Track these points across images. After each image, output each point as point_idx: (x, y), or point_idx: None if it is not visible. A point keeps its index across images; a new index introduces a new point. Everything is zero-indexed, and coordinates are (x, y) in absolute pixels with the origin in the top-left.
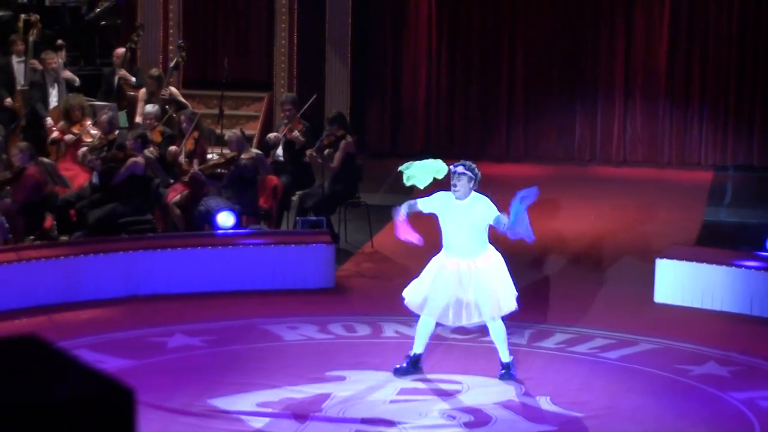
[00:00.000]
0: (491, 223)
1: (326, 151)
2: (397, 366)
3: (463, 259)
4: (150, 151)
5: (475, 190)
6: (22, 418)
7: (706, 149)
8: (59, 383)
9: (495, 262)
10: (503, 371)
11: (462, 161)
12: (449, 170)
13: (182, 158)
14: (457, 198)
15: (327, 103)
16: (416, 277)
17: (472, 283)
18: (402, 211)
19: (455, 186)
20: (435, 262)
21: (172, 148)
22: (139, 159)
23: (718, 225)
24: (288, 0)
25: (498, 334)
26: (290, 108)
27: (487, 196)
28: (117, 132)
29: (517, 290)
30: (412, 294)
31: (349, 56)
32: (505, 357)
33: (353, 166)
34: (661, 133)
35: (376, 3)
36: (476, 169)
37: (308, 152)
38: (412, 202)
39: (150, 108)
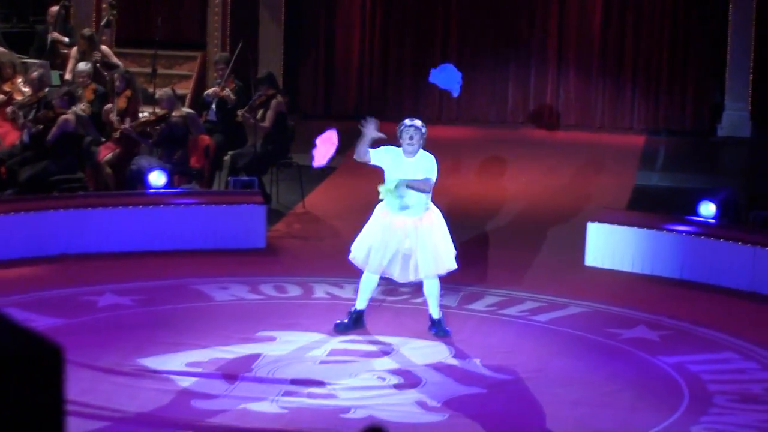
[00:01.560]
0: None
1: (258, 113)
2: (338, 321)
3: (409, 216)
4: (81, 109)
5: (422, 148)
6: None
7: (639, 114)
8: None
9: (437, 221)
10: (436, 328)
11: (412, 118)
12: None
13: (113, 116)
14: (406, 154)
15: (260, 64)
16: (360, 231)
17: (418, 241)
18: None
19: (412, 140)
20: (379, 218)
21: (108, 106)
22: (70, 116)
23: (649, 189)
24: None
25: (433, 291)
26: (223, 67)
27: (433, 155)
28: (47, 90)
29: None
30: (357, 249)
31: (283, 17)
32: (436, 313)
33: (285, 126)
34: (594, 97)
35: None
36: (425, 128)
37: (240, 112)
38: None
39: (82, 66)
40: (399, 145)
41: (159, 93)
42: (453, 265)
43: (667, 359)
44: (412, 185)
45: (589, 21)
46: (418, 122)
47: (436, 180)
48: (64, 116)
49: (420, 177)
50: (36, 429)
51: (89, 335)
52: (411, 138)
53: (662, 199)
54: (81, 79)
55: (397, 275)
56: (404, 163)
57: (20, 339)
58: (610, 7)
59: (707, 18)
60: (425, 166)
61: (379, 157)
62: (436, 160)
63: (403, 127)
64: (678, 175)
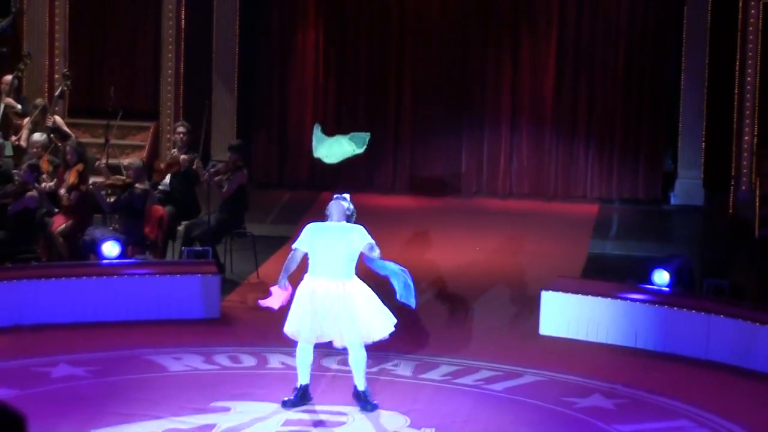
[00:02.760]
0: (364, 250)
1: (218, 178)
2: (285, 399)
3: (332, 279)
4: (44, 179)
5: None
6: None
7: (592, 182)
8: None
9: (363, 289)
10: (362, 402)
11: (340, 194)
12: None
13: (63, 191)
14: (330, 221)
15: (214, 133)
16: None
17: (343, 305)
18: (282, 282)
19: (329, 210)
20: (303, 287)
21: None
22: (34, 193)
23: (603, 257)
24: (175, 30)
25: (358, 361)
26: (183, 132)
27: (362, 226)
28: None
29: (397, 319)
30: (289, 324)
31: (236, 86)
32: (361, 385)
33: (243, 197)
34: (547, 166)
35: (264, 33)
36: (352, 205)
37: (203, 175)
38: (288, 265)
39: (37, 136)
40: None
41: (128, 161)
42: (380, 335)
43: (623, 428)
44: (376, 262)
45: (540, 89)
46: (346, 195)
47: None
48: (30, 193)
49: (344, 242)
50: None
51: (43, 406)
52: (329, 209)
53: (616, 268)
54: (35, 150)
55: (327, 339)
56: (328, 228)
57: None
58: (563, 76)
59: (660, 87)
60: (355, 236)
61: (304, 243)
62: (366, 229)
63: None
64: (632, 243)
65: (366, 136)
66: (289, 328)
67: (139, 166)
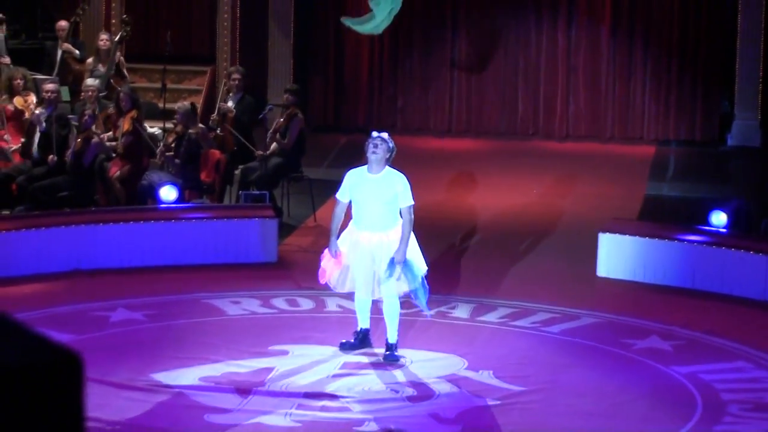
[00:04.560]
0: (402, 210)
1: (277, 135)
2: (344, 341)
3: (375, 232)
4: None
5: (389, 165)
6: None
7: (649, 124)
8: (6, 350)
9: None
10: (387, 353)
11: (379, 132)
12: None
13: (119, 142)
14: (370, 170)
15: (270, 77)
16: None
17: (385, 257)
18: (333, 248)
19: (376, 148)
20: (346, 238)
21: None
22: (96, 139)
23: (660, 199)
24: None
25: (392, 311)
26: (239, 77)
27: (403, 174)
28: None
29: (428, 266)
30: (332, 275)
31: (292, 30)
32: (392, 337)
33: (300, 141)
34: (604, 108)
35: None
36: (393, 142)
37: (269, 141)
38: (334, 223)
39: (90, 81)
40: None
41: (177, 105)
42: (421, 273)
43: (680, 369)
44: (400, 254)
45: (597, 32)
46: (385, 134)
47: (414, 198)
48: (95, 140)
49: (385, 197)
50: None
51: (102, 351)
52: (375, 146)
53: (673, 209)
54: (90, 93)
55: (375, 294)
56: (369, 180)
57: (39, 347)
58: (619, 16)
59: (716, 28)
60: (398, 187)
61: (345, 193)
62: (407, 178)
63: (369, 139)
64: (688, 185)
65: None
66: (332, 282)
67: (188, 110)
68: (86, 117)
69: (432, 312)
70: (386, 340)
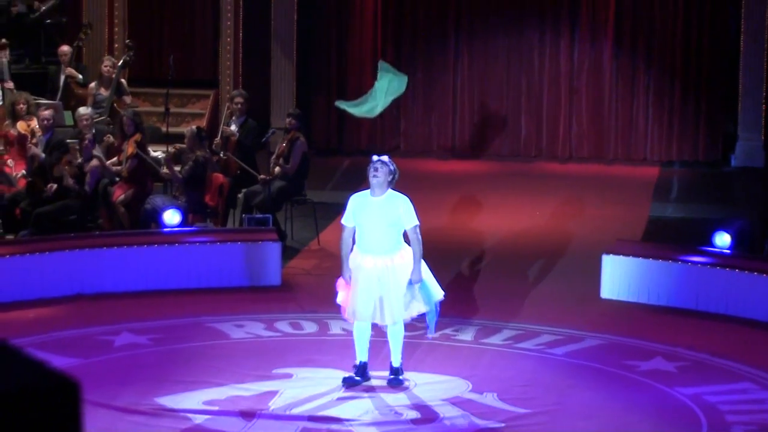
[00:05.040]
0: (408, 232)
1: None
2: (346, 376)
3: (378, 256)
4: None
5: (392, 188)
6: None
7: (652, 145)
8: (5, 375)
9: (409, 260)
10: (392, 376)
11: (380, 155)
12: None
13: (123, 167)
14: (373, 195)
15: (272, 100)
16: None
17: (391, 282)
18: (347, 274)
19: (376, 171)
20: (352, 265)
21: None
22: (95, 162)
23: (664, 220)
24: None
25: (396, 336)
26: (241, 101)
27: (406, 196)
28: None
29: (443, 289)
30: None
31: (295, 53)
32: (397, 361)
33: (303, 164)
34: (607, 129)
35: (322, 0)
36: (394, 165)
37: (272, 166)
38: (343, 249)
39: (83, 110)
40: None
41: (186, 130)
42: (424, 309)
43: (685, 390)
44: (417, 274)
45: (599, 53)
46: (385, 157)
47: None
48: (92, 163)
49: (388, 220)
50: None
51: (106, 375)
52: (376, 170)
53: (677, 230)
54: (85, 122)
55: (380, 320)
56: (372, 203)
57: (37, 374)
58: (622, 37)
59: (719, 49)
60: (401, 210)
61: (350, 218)
62: (410, 200)
63: (370, 163)
64: (692, 205)
65: (404, 78)
66: (348, 311)
67: (194, 134)
68: (86, 142)
69: (435, 334)
70: (390, 363)
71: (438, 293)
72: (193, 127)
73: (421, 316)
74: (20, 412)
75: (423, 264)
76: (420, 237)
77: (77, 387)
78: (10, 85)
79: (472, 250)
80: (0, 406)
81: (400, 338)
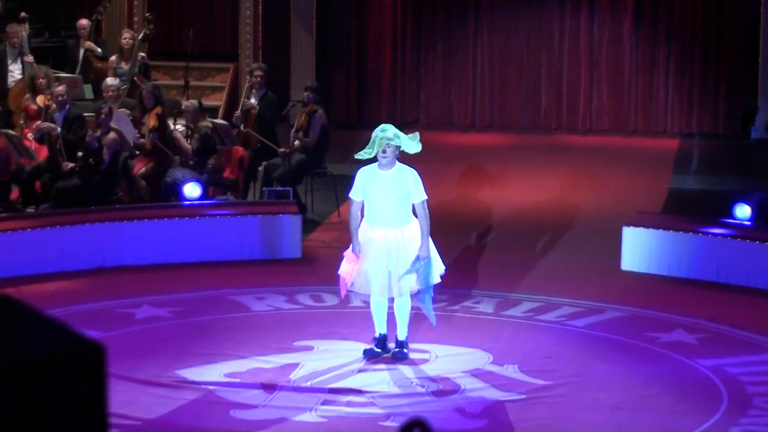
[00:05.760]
0: (416, 205)
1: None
2: (366, 348)
3: (389, 228)
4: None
5: (398, 160)
6: None
7: (672, 117)
8: (31, 340)
9: (419, 234)
10: (397, 349)
11: (384, 126)
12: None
13: (146, 140)
14: (381, 168)
15: (292, 74)
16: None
17: (401, 254)
18: (357, 249)
19: (384, 153)
20: (361, 239)
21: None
22: (112, 135)
23: (684, 192)
24: None
25: (403, 309)
26: (260, 74)
27: (414, 169)
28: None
29: (446, 264)
30: (356, 279)
31: (314, 27)
32: (403, 335)
33: (323, 137)
34: (627, 102)
35: None
36: (399, 136)
37: (292, 139)
38: (352, 223)
39: (111, 81)
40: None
41: (185, 104)
42: (435, 280)
43: (705, 362)
44: (425, 249)
45: (619, 26)
46: (390, 132)
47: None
48: (109, 137)
49: (397, 193)
50: (81, 426)
51: (127, 347)
52: (384, 152)
53: (697, 202)
54: (110, 94)
55: (393, 293)
56: (380, 177)
57: (63, 337)
58: (642, 10)
59: (739, 21)
60: (409, 182)
61: (358, 192)
62: (418, 173)
63: (374, 137)
64: (712, 177)
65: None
66: (356, 285)
67: (196, 108)
68: (103, 115)
69: (456, 307)
70: (396, 336)
71: (436, 276)
72: (194, 101)
73: (417, 294)
74: (47, 376)
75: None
76: (428, 212)
77: (103, 351)
78: (29, 58)
79: (492, 221)
80: (27, 371)
81: (407, 311)
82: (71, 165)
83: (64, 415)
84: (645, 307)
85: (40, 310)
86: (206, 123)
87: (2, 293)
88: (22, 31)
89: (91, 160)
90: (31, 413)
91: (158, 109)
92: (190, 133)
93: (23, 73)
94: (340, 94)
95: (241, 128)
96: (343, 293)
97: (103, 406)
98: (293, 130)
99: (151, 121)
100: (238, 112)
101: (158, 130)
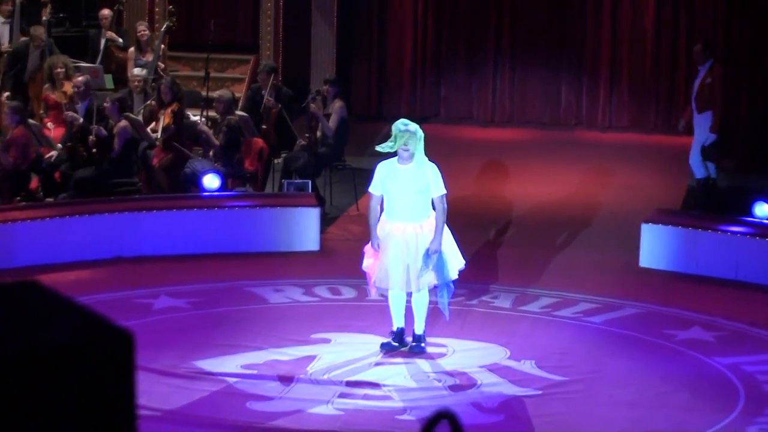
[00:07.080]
0: (435, 200)
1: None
2: (384, 342)
3: (408, 222)
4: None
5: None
6: (22, 362)
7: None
8: (60, 327)
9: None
10: (414, 343)
11: (405, 120)
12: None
13: (158, 135)
14: (401, 162)
15: (312, 67)
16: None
17: (420, 248)
18: (376, 243)
19: (406, 146)
20: (381, 233)
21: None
22: (123, 123)
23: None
24: None
25: (421, 303)
26: (265, 77)
27: (434, 163)
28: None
29: (465, 259)
30: (377, 274)
31: (335, 19)
32: (420, 329)
33: (343, 130)
34: (647, 98)
35: None
36: (420, 131)
37: (311, 106)
38: (371, 217)
39: (138, 71)
40: (394, 154)
41: (218, 93)
42: (452, 276)
43: (723, 360)
44: (436, 244)
45: (641, 23)
46: (412, 126)
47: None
48: (120, 125)
49: (417, 187)
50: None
51: (144, 337)
52: (405, 144)
53: (717, 200)
54: (135, 84)
55: (412, 288)
56: (399, 171)
57: (92, 324)
58: (663, 7)
59: (761, 19)
60: (429, 177)
61: (378, 186)
62: (438, 167)
63: (396, 131)
64: (732, 175)
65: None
66: (378, 280)
67: (229, 98)
68: (108, 104)
69: (474, 302)
70: (413, 331)
71: (453, 272)
72: (227, 91)
73: (434, 289)
74: (76, 364)
75: (447, 234)
76: (446, 207)
77: (132, 339)
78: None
79: (511, 217)
80: (57, 359)
81: (425, 306)
82: (85, 154)
83: (94, 404)
84: (662, 304)
85: (69, 297)
86: (234, 116)
87: (31, 279)
88: (44, 15)
89: (94, 150)
90: (60, 401)
91: (174, 106)
92: (215, 125)
93: (41, 60)
94: (360, 87)
95: (262, 126)
96: (373, 290)
97: (133, 395)
98: (311, 101)
99: (165, 118)
100: (264, 106)
101: (172, 127)
